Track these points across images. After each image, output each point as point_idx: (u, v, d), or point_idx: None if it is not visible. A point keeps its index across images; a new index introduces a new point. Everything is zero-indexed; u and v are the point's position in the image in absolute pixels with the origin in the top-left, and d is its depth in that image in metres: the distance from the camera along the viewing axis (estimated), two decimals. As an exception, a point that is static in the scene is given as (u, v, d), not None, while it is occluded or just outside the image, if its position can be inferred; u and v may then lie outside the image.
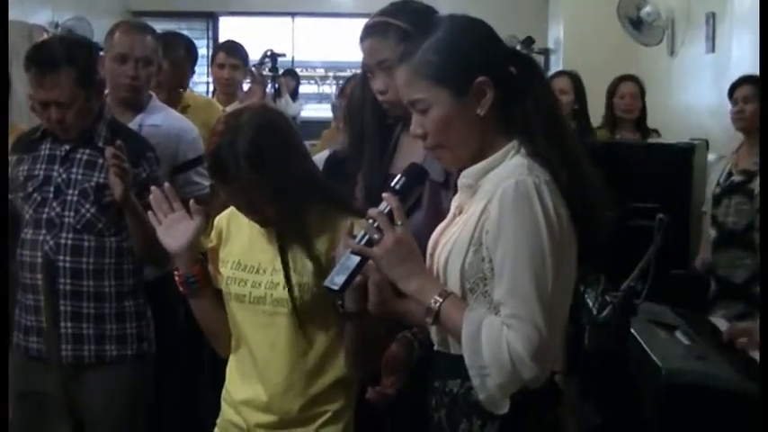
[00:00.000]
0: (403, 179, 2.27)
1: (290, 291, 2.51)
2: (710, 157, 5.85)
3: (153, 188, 2.69)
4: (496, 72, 2.19)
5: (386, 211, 2.19)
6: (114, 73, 3.91)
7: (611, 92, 6.89)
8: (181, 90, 4.94)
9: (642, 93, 6.89)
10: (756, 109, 5.12)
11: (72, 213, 3.35)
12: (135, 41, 3.93)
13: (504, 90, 2.20)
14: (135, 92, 3.97)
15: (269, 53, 7.65)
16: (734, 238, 5.14)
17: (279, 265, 2.55)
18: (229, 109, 5.27)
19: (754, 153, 5.17)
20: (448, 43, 2.20)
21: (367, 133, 2.94)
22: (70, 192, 3.37)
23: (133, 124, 3.89)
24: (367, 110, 2.94)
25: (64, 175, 3.38)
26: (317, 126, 8.02)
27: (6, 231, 3.35)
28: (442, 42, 2.20)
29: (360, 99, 3.00)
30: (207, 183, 4.08)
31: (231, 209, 2.68)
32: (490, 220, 2.10)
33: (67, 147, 3.41)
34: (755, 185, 5.05)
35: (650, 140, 6.97)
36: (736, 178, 5.20)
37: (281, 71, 8.65)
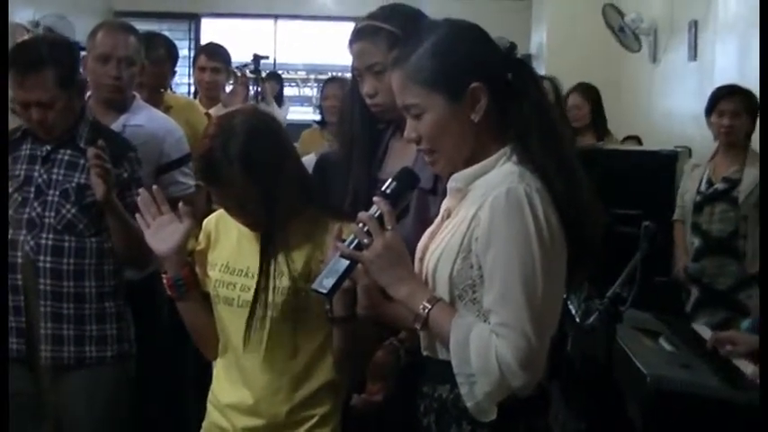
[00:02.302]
0: (394, 183, 2.27)
1: (257, 294, 2.50)
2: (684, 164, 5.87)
3: (141, 190, 2.68)
4: (492, 78, 2.18)
5: (376, 215, 2.19)
6: (97, 73, 3.89)
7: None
8: (162, 90, 4.92)
9: (590, 98, 6.94)
10: (743, 123, 5.14)
11: (53, 214, 3.33)
12: (118, 41, 3.91)
13: (500, 96, 2.19)
14: (118, 92, 3.94)
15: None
16: (719, 246, 5.17)
17: (268, 269, 2.54)
18: (213, 111, 5.27)
19: (735, 161, 5.20)
20: (443, 48, 2.19)
21: (356, 137, 2.93)
22: (51, 192, 3.35)
23: (117, 125, 3.88)
24: (356, 113, 2.93)
25: (45, 176, 3.36)
26: (298, 128, 8.00)
27: (6, 232, 3.32)
28: (438, 47, 2.19)
29: (349, 103, 3.00)
30: (192, 182, 4.07)
31: (220, 211, 2.67)
32: (480, 227, 2.10)
33: (48, 147, 3.39)
34: (738, 193, 5.08)
35: (634, 148, 7.02)
36: (720, 186, 5.23)
37: (263, 74, 8.62)
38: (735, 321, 4.73)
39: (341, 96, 6.67)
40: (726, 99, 5.21)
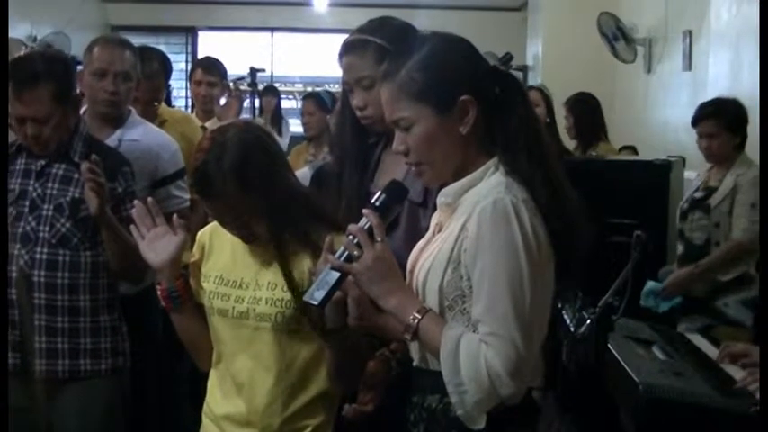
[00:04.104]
0: (383, 196, 2.29)
1: (293, 293, 2.52)
2: (687, 174, 5.91)
3: (136, 202, 2.70)
4: (480, 91, 2.21)
5: (366, 227, 2.20)
6: (93, 88, 3.91)
7: None
8: (156, 104, 4.94)
9: (574, 111, 7.12)
10: (723, 142, 5.20)
11: (47, 228, 3.35)
12: (114, 57, 3.94)
13: (487, 109, 2.22)
14: (114, 107, 3.97)
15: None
16: (696, 253, 5.24)
17: (262, 281, 2.57)
18: (208, 125, 5.30)
19: (721, 172, 5.25)
20: (432, 61, 2.22)
21: (348, 150, 2.96)
22: (45, 206, 3.36)
23: (112, 139, 3.90)
24: (348, 126, 2.96)
25: (39, 190, 3.37)
26: (296, 141, 8.05)
27: (6, 235, 3.33)
28: (427, 60, 2.22)
29: (340, 116, 3.02)
30: (187, 196, 4.10)
31: (214, 224, 2.69)
32: (468, 238, 2.12)
33: (43, 162, 3.40)
34: (713, 201, 5.16)
35: (627, 158, 7.06)
36: (698, 194, 5.31)
37: (260, 86, 8.65)
38: (713, 329, 4.77)
39: (316, 112, 6.78)
40: (703, 121, 5.28)
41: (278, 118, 10.14)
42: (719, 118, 5.21)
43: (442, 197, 2.27)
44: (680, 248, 5.35)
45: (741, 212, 5.03)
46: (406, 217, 2.73)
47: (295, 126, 11.88)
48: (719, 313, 5.05)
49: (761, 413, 2.68)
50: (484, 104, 2.21)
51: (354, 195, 2.88)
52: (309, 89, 12.87)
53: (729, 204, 5.09)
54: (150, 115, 4.60)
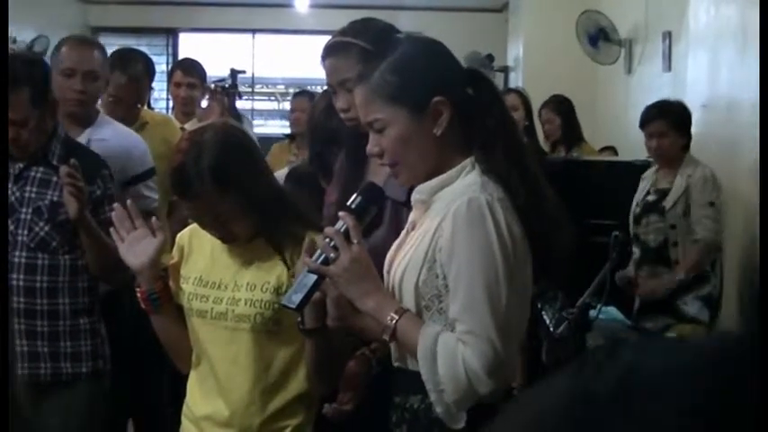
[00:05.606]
0: (359, 198, 2.30)
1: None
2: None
3: (115, 205, 2.70)
4: (453, 92, 2.22)
5: (342, 229, 2.22)
6: (62, 88, 3.88)
7: None
8: (139, 106, 4.93)
9: (561, 112, 7.20)
10: (672, 141, 5.26)
11: (25, 232, 3.33)
12: (81, 56, 3.93)
13: (462, 110, 2.23)
14: (82, 106, 3.95)
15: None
16: (653, 256, 5.29)
17: (241, 282, 2.58)
18: (188, 126, 5.28)
19: (671, 173, 5.30)
20: (405, 64, 2.24)
21: (342, 149, 2.96)
22: (24, 210, 3.34)
23: (81, 139, 3.88)
24: (341, 126, 2.96)
25: (17, 194, 3.35)
26: (264, 142, 8.03)
27: (6, 236, 3.31)
28: (400, 63, 2.23)
29: (326, 116, 3.02)
30: (156, 196, 4.10)
31: (193, 225, 2.70)
32: (444, 237, 2.14)
33: (21, 165, 3.37)
34: (667, 203, 5.21)
35: (607, 158, 7.10)
36: (651, 198, 5.36)
37: (240, 89, 8.61)
38: (673, 327, 4.81)
39: (308, 109, 6.73)
40: (651, 122, 5.35)
41: (235, 117, 10.10)
42: (666, 118, 5.29)
43: (417, 194, 2.28)
44: (636, 252, 5.39)
45: (702, 213, 5.10)
46: (390, 216, 2.74)
47: (278, 128, 11.88)
48: (679, 311, 5.13)
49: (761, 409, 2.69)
50: (458, 106, 2.23)
51: (347, 193, 2.88)
52: (291, 90, 12.88)
53: (684, 206, 5.16)
54: (133, 117, 4.60)
